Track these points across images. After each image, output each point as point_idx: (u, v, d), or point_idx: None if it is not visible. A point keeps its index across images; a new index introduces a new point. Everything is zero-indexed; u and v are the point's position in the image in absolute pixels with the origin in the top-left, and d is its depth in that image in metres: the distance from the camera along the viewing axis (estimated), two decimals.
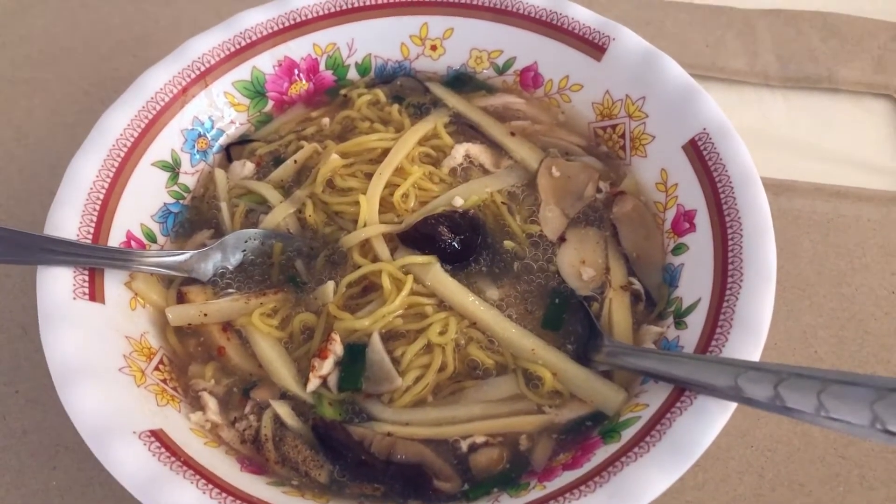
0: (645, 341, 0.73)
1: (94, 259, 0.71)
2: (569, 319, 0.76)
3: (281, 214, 0.82)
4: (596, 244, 0.80)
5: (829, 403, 0.51)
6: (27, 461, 0.77)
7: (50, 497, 0.75)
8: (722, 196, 0.73)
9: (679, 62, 0.84)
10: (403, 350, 0.73)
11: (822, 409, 0.51)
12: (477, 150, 0.87)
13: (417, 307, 0.75)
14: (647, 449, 0.60)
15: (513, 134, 0.89)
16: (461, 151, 0.86)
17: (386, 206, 0.81)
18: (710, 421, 0.59)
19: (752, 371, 0.57)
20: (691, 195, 0.76)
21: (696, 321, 0.68)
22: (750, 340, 0.63)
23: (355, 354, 0.72)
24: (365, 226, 0.79)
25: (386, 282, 0.75)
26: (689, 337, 0.68)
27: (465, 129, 0.91)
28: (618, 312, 0.75)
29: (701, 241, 0.73)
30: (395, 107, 0.91)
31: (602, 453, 0.63)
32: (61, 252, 0.70)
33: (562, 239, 0.81)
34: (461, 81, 0.95)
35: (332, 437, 0.68)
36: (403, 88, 0.94)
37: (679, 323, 0.70)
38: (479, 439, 0.70)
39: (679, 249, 0.76)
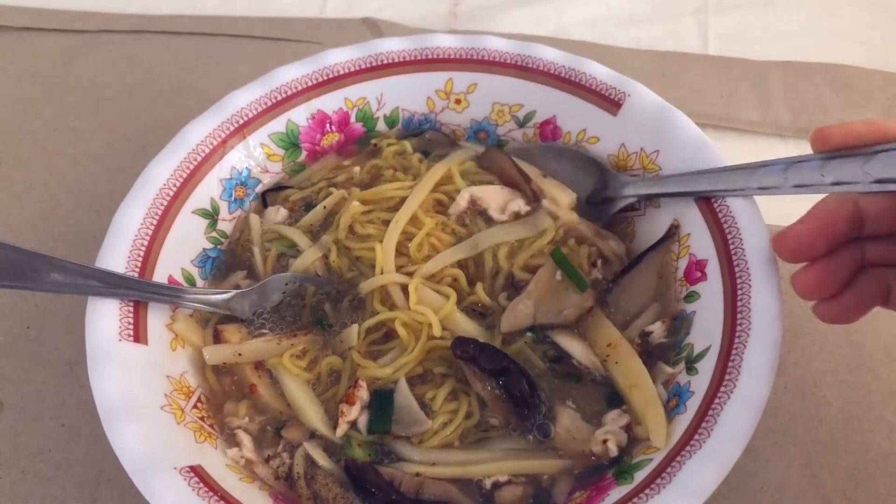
0: (657, 380, 0.75)
1: (142, 293, 0.76)
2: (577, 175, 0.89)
3: (310, 259, 0.86)
4: None
5: (828, 173, 0.63)
6: (71, 492, 0.81)
7: None
8: (731, 247, 0.76)
9: (693, 112, 0.87)
10: (434, 394, 0.76)
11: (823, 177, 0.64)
12: (481, 193, 0.89)
13: (439, 350, 0.79)
14: (658, 490, 0.63)
15: (545, 175, 0.93)
16: (465, 197, 0.89)
17: (402, 250, 0.85)
18: (717, 464, 0.62)
19: (761, 168, 0.70)
20: (703, 245, 0.79)
21: (707, 367, 0.71)
22: (757, 384, 0.66)
23: (383, 399, 0.76)
24: (382, 272, 0.82)
25: (401, 331, 0.78)
26: (700, 383, 0.70)
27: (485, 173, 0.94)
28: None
29: (712, 290, 0.76)
30: (417, 155, 0.96)
31: (615, 494, 0.66)
32: (112, 284, 0.74)
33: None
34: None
35: (363, 478, 0.71)
36: (432, 143, 0.99)
37: (690, 369, 0.73)
38: (503, 478, 0.73)
39: (691, 297, 0.79)
